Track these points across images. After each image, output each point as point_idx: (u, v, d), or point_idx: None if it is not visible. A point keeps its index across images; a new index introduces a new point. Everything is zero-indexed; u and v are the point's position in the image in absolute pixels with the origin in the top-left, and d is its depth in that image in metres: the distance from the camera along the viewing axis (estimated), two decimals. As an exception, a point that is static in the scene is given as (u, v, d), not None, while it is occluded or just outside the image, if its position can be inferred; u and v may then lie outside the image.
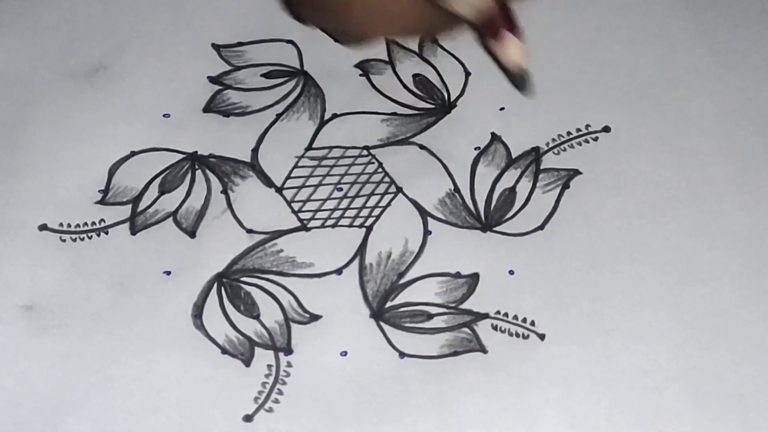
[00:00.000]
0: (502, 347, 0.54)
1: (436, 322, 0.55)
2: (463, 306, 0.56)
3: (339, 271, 0.57)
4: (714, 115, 0.63)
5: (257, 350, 0.55)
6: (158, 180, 0.61)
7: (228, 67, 0.67)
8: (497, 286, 0.56)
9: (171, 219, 0.60)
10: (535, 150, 0.62)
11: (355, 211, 0.60)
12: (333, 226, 0.59)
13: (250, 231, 0.59)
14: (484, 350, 0.54)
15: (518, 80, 0.62)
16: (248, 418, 0.52)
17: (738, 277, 0.57)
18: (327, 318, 0.56)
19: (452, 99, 0.64)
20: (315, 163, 0.62)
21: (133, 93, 0.65)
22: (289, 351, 0.55)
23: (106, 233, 0.59)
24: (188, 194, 0.61)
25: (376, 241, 0.58)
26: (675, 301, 0.56)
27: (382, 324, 0.55)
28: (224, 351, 0.55)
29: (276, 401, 0.53)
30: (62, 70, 0.66)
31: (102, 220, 0.60)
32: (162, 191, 0.61)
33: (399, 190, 0.60)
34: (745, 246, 0.58)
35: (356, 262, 0.58)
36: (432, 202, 0.60)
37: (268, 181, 0.61)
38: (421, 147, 0.62)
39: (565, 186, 0.60)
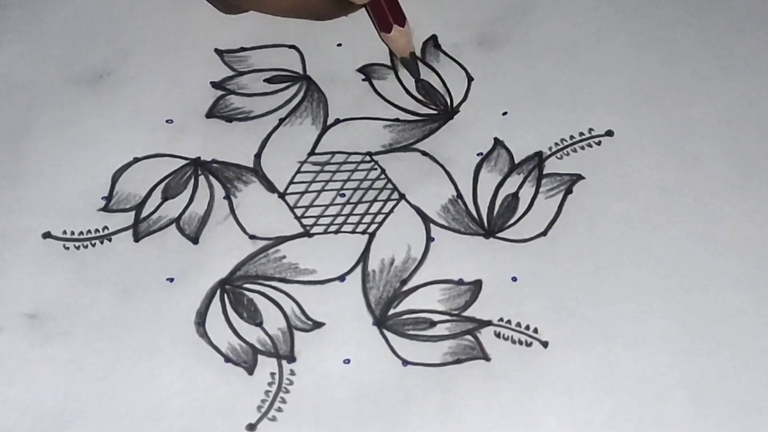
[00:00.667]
0: (505, 355, 0.54)
1: (439, 330, 0.55)
2: (466, 313, 0.56)
3: (342, 278, 0.57)
4: (717, 120, 0.63)
5: (260, 358, 0.55)
6: (161, 186, 0.61)
7: (231, 72, 0.67)
8: (500, 292, 0.56)
9: (174, 225, 0.60)
10: (538, 155, 0.62)
11: (358, 218, 0.60)
12: (336, 232, 0.59)
13: (252, 237, 0.59)
14: (487, 358, 0.54)
15: (409, 66, 0.66)
16: (251, 427, 0.52)
17: (741, 283, 0.57)
18: (330, 325, 0.56)
19: (455, 105, 0.64)
20: (318, 168, 0.62)
21: (136, 98, 0.65)
22: (292, 359, 0.55)
23: (110, 240, 0.59)
24: (191, 200, 0.61)
25: (379, 248, 0.58)
26: (678, 308, 0.56)
27: (384, 331, 0.55)
28: (227, 359, 0.55)
29: (279, 410, 0.53)
30: (65, 75, 0.67)
31: (105, 227, 0.60)
32: (165, 197, 0.61)
33: (402, 196, 0.60)
34: (748, 251, 0.58)
35: (359, 268, 0.58)
36: (435, 208, 0.60)
37: (270, 187, 0.61)
38: (424, 153, 0.62)
39: (568, 191, 0.60)
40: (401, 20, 0.66)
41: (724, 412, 0.52)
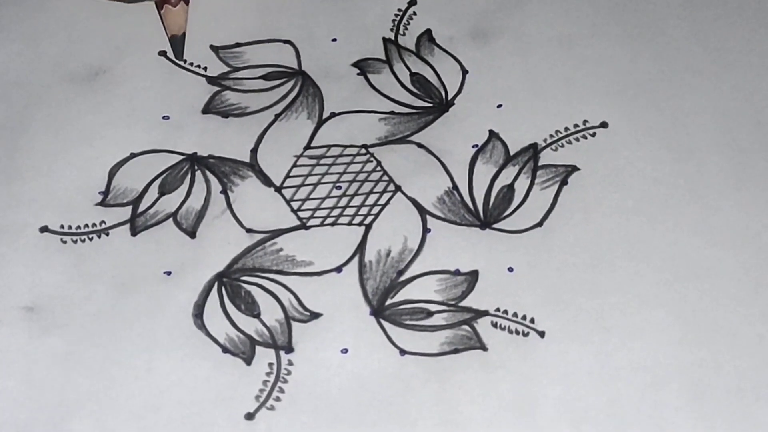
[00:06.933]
0: (502, 344, 0.55)
1: (436, 320, 0.56)
2: (463, 303, 0.56)
3: (339, 269, 0.58)
4: (710, 112, 0.63)
5: (258, 349, 0.55)
6: (158, 181, 0.61)
7: (226, 68, 0.67)
8: (496, 283, 0.57)
9: (171, 220, 0.60)
10: (533, 146, 0.62)
11: (354, 210, 0.60)
12: (332, 224, 0.59)
13: (249, 230, 0.59)
14: (484, 347, 0.55)
15: (176, 45, 0.66)
16: (250, 417, 0.53)
17: (736, 272, 0.57)
18: (327, 316, 0.56)
19: (450, 97, 0.65)
20: (314, 162, 0.62)
21: (133, 95, 0.66)
22: (289, 349, 0.55)
23: (107, 234, 0.59)
24: (188, 195, 0.61)
25: (376, 239, 0.59)
26: (674, 297, 0.56)
27: (382, 321, 0.56)
28: (225, 350, 0.55)
29: (277, 399, 0.53)
30: (62, 73, 0.67)
31: (102, 221, 0.60)
32: (162, 192, 0.61)
33: (398, 188, 0.60)
34: (743, 242, 0.58)
35: (356, 260, 0.58)
36: (430, 200, 0.60)
37: (267, 181, 0.61)
38: (419, 145, 0.62)
39: (563, 182, 0.61)
40: None
41: (721, 401, 0.53)
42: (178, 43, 0.66)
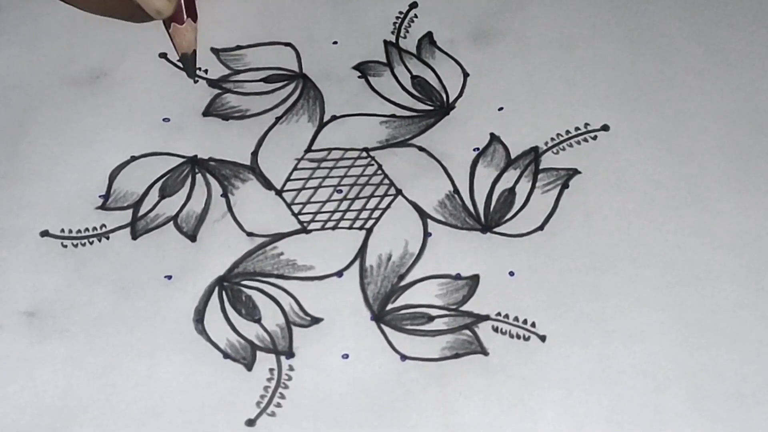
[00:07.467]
0: (503, 349, 0.55)
1: (437, 325, 0.56)
2: (464, 308, 0.56)
3: (339, 274, 0.57)
4: (712, 114, 0.63)
5: (259, 354, 0.55)
6: (158, 184, 0.61)
7: (227, 71, 0.67)
8: (497, 287, 0.57)
9: (171, 223, 0.60)
10: (534, 150, 0.62)
11: (355, 213, 0.60)
12: (333, 228, 0.59)
13: (250, 234, 0.59)
14: (485, 352, 0.54)
15: (188, 64, 0.66)
16: (251, 423, 0.53)
17: (738, 276, 0.57)
18: (328, 321, 0.56)
19: (451, 100, 0.65)
20: (314, 165, 0.62)
21: (133, 98, 0.65)
22: (290, 354, 0.55)
23: (107, 238, 0.59)
24: (188, 198, 0.61)
25: (377, 244, 0.59)
26: (675, 301, 0.56)
27: (383, 326, 0.56)
28: (226, 355, 0.55)
29: (278, 405, 0.53)
30: (62, 76, 0.67)
31: (103, 225, 0.60)
32: (162, 195, 0.61)
33: (398, 192, 0.60)
34: (744, 245, 0.58)
35: (357, 264, 0.58)
36: (431, 203, 0.60)
37: (268, 184, 0.61)
38: (420, 149, 0.62)
39: (565, 186, 0.60)
40: (194, 16, 0.66)
41: (722, 405, 0.53)
42: (188, 61, 0.66)
